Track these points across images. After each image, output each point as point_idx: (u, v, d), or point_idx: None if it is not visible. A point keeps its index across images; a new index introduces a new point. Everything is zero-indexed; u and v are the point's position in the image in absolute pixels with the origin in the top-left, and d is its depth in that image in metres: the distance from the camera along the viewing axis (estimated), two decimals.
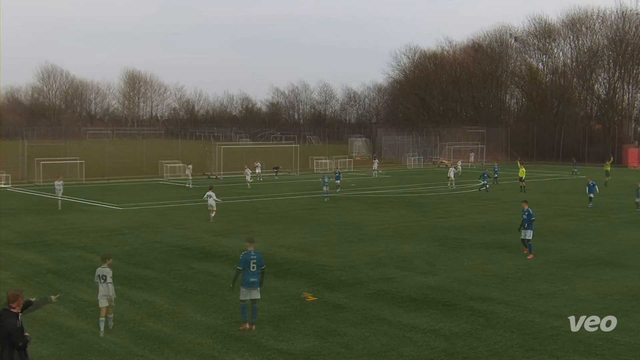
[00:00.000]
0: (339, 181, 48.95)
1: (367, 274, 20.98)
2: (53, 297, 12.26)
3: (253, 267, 15.00)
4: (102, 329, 14.87)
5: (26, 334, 10.87)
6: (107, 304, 14.98)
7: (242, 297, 15.17)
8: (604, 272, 21.56)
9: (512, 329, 15.39)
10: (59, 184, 38.18)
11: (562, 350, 13.94)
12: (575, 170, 65.85)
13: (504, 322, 15.90)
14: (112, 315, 15.19)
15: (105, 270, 15.01)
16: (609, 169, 57.63)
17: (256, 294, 15.16)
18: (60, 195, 37.84)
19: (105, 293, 14.89)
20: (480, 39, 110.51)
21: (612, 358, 13.54)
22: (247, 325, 15.17)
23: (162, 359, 13.42)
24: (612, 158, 64.78)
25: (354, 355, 13.69)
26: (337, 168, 54.77)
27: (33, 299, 11.64)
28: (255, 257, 15.09)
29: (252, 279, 15.02)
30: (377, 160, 69.73)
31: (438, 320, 16.06)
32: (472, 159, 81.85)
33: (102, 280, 14.92)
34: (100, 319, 14.94)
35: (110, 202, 40.20)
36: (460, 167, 73.49)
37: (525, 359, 13.54)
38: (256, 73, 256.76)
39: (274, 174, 62.95)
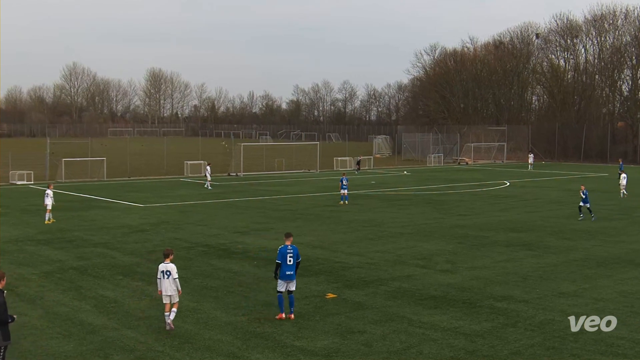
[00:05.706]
0: (345, 191, 38.93)
1: (388, 272, 20.95)
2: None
3: (290, 261, 15.76)
4: (168, 321, 15.01)
5: (14, 315, 11.97)
6: (171, 301, 15.03)
7: (279, 289, 15.91)
8: (626, 270, 21.36)
9: (533, 328, 15.30)
10: (49, 192, 31.72)
11: (583, 349, 13.83)
12: (621, 172, 47.04)
13: (524, 321, 15.81)
14: (175, 310, 15.15)
15: (169, 266, 14.99)
16: None
17: (292, 286, 15.98)
18: (50, 205, 31.35)
19: (170, 290, 14.96)
20: (502, 37, 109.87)
21: (635, 357, 13.40)
22: (284, 315, 15.87)
23: (182, 356, 13.49)
24: None
25: (374, 353, 13.68)
26: (344, 173, 42.95)
27: (15, 316, 12.15)
28: (292, 251, 15.86)
29: (288, 272, 15.78)
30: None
31: (458, 318, 16.00)
32: (531, 160, 74.18)
33: (166, 276, 14.94)
34: (165, 313, 15.09)
35: (131, 200, 40.49)
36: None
37: (546, 357, 13.44)
38: (279, 72, 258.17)
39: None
